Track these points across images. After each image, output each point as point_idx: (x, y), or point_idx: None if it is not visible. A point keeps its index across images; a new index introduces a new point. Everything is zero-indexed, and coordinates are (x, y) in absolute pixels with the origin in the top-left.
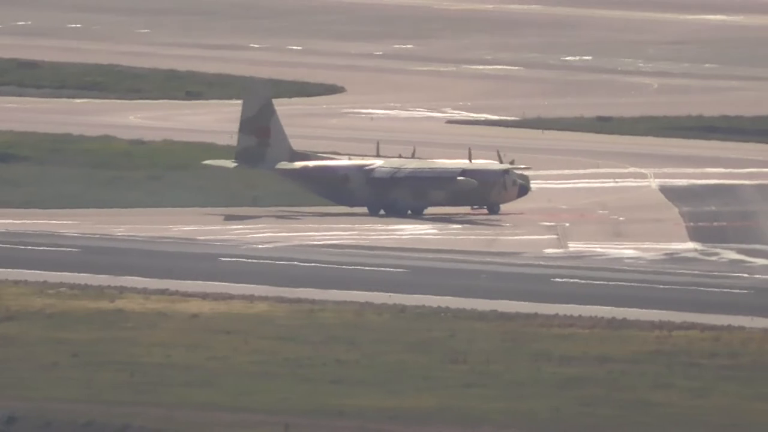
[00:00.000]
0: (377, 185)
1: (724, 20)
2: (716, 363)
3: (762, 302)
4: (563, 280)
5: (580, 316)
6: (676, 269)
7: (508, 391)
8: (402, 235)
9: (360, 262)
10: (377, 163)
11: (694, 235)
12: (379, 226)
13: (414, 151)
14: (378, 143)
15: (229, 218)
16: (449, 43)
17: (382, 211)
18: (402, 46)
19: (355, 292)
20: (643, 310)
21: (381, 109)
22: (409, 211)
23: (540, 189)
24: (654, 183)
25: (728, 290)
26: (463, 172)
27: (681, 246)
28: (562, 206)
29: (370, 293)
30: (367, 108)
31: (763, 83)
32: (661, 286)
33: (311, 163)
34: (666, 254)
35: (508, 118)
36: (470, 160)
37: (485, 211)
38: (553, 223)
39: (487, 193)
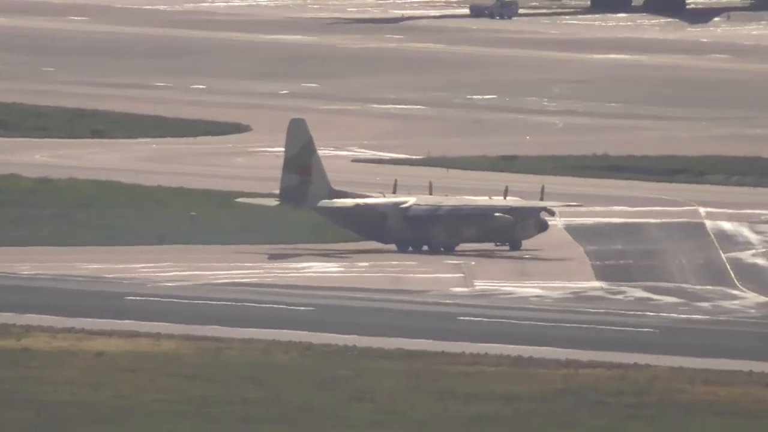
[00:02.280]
0: (413, 223)
1: (629, 59)
2: (623, 401)
3: (668, 340)
4: (469, 318)
5: (486, 354)
6: (583, 308)
7: (413, 429)
8: (307, 273)
9: (266, 300)
10: (411, 200)
11: (600, 273)
12: (284, 264)
13: (430, 185)
14: (396, 181)
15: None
16: (354, 82)
17: (410, 248)
18: (307, 84)
19: (261, 330)
20: (550, 349)
21: None
22: (442, 249)
23: None
24: (559, 222)
25: (634, 329)
26: (511, 210)
27: (587, 285)
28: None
29: (276, 331)
30: (273, 146)
31: (667, 122)
32: (568, 325)
33: (352, 201)
34: (572, 293)
35: (413, 156)
36: (505, 197)
37: (507, 247)
38: (458, 262)
39: (513, 229)
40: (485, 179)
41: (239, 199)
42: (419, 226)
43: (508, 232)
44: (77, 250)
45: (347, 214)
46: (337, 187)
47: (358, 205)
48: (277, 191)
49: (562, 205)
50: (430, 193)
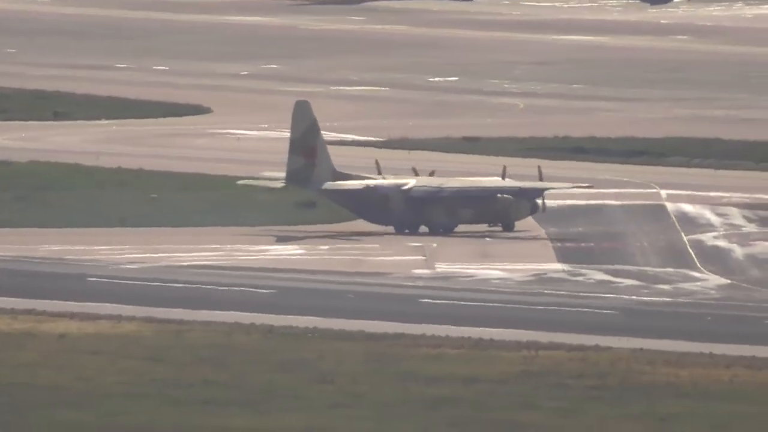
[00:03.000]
0: (414, 204)
1: (590, 41)
2: (583, 383)
3: (629, 323)
4: (431, 300)
5: (447, 336)
6: (544, 290)
7: (375, 411)
8: (269, 255)
9: (227, 282)
10: (411, 182)
11: (562, 256)
12: (246, 247)
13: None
14: (377, 161)
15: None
16: (315, 64)
17: (406, 230)
18: (268, 66)
19: (223, 312)
20: (511, 331)
21: (248, 129)
22: (441, 229)
23: None
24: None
25: (596, 311)
26: (520, 190)
27: (548, 267)
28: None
29: (238, 313)
30: (233, 128)
31: (630, 104)
32: (529, 307)
33: (355, 183)
34: (533, 275)
35: (375, 138)
36: (503, 177)
37: (499, 228)
38: (420, 244)
39: (509, 210)
40: (447, 161)
41: (241, 182)
42: (420, 208)
43: (507, 213)
44: (38, 232)
45: (351, 196)
46: (339, 169)
47: (365, 187)
48: (263, 173)
49: (572, 186)
50: (416, 175)
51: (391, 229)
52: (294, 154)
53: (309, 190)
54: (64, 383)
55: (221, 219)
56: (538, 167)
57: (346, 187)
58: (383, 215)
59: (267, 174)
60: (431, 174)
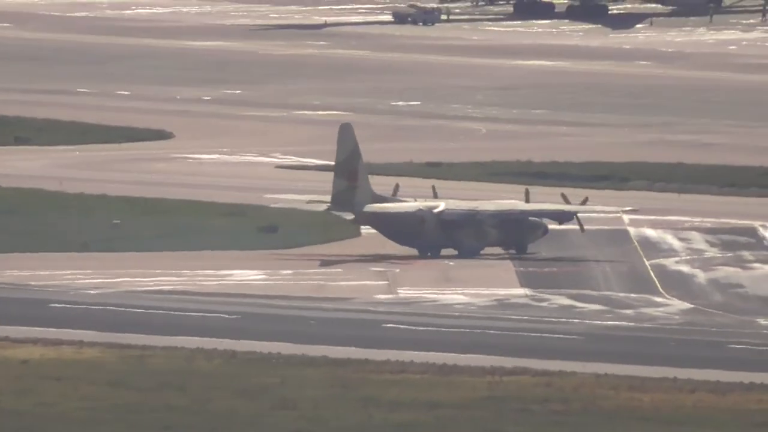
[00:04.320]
0: (446, 227)
1: (552, 66)
2: (547, 408)
3: (593, 348)
4: (394, 325)
5: (411, 361)
6: (507, 315)
7: None
8: (231, 280)
9: (190, 308)
10: (441, 205)
11: (525, 280)
12: (208, 272)
13: (396, 187)
14: (397, 185)
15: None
16: (278, 88)
17: (429, 253)
18: (231, 91)
19: (185, 337)
20: (475, 356)
21: (210, 154)
22: (469, 253)
23: (370, 234)
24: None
25: (559, 336)
26: (562, 213)
27: (512, 291)
28: (392, 252)
29: (200, 339)
30: (195, 153)
31: (592, 129)
32: (492, 332)
33: (392, 206)
34: (496, 300)
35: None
36: (527, 201)
37: (513, 251)
38: (382, 269)
39: (537, 234)
40: (412, 185)
41: (276, 204)
42: (452, 231)
43: (530, 236)
44: (0, 257)
45: (388, 219)
46: (377, 192)
47: (398, 211)
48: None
49: (622, 211)
50: (435, 197)
51: (414, 251)
52: (338, 177)
53: (351, 213)
54: (26, 409)
55: (183, 244)
56: (562, 194)
57: (383, 210)
58: (414, 238)
59: (309, 198)
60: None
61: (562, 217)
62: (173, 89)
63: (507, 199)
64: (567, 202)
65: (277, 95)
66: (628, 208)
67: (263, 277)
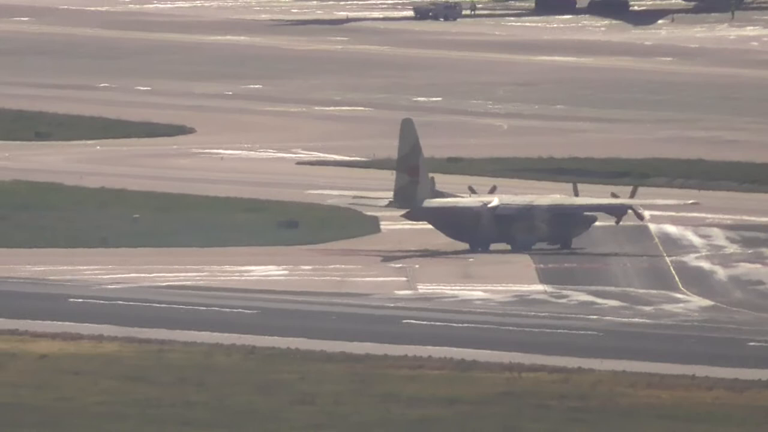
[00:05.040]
0: (501, 222)
1: (573, 62)
2: (565, 405)
3: (611, 344)
4: (413, 321)
5: (429, 357)
6: (526, 311)
7: None
8: (251, 276)
9: (209, 303)
10: (495, 200)
11: (544, 277)
12: (228, 267)
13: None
14: (432, 178)
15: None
16: (298, 84)
17: (479, 248)
18: (251, 86)
19: (204, 333)
20: (493, 352)
21: (231, 149)
22: (523, 247)
23: (390, 231)
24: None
25: (578, 332)
26: (618, 207)
27: (531, 288)
28: (412, 247)
29: (219, 334)
30: (217, 148)
31: (612, 125)
32: (511, 328)
33: (451, 201)
34: (516, 296)
35: (358, 158)
36: (576, 194)
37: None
38: (402, 265)
39: (574, 228)
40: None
41: (331, 201)
42: (506, 226)
43: (576, 231)
44: (20, 252)
45: (446, 214)
46: (438, 188)
47: (456, 206)
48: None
49: (681, 204)
50: (472, 194)
51: (466, 246)
52: (401, 171)
53: (413, 208)
54: (44, 403)
55: (203, 239)
56: (634, 186)
57: (442, 205)
58: (470, 232)
59: (371, 194)
60: (492, 191)
61: (617, 211)
62: (194, 84)
63: (529, 195)
64: (615, 197)
65: (298, 91)
66: (690, 201)
67: (284, 272)
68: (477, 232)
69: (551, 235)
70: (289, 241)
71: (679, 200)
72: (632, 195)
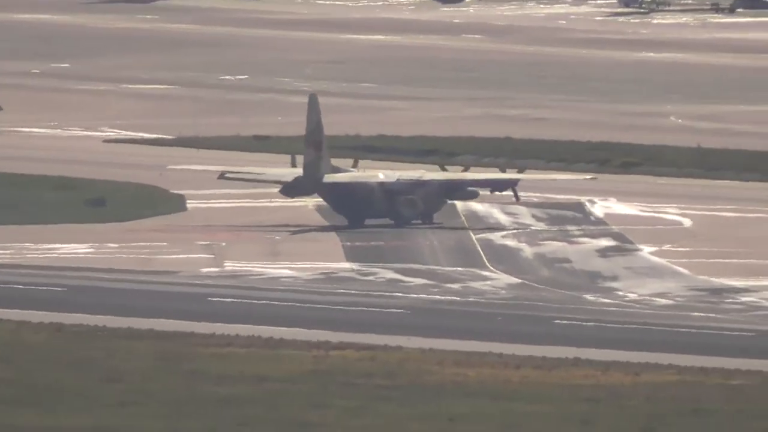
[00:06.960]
0: (389, 197)
1: (382, 40)
2: (373, 383)
3: (419, 322)
4: (220, 299)
5: (237, 335)
6: (333, 289)
7: (164, 410)
8: (58, 254)
9: (16, 281)
10: (380, 175)
11: (351, 254)
12: (35, 246)
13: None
14: (356, 159)
15: None
16: (107, 62)
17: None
18: (59, 64)
19: (12, 310)
20: (301, 330)
21: (38, 127)
22: (406, 221)
23: (196, 209)
24: (311, 203)
25: (385, 310)
26: (505, 182)
27: (338, 266)
28: (218, 225)
29: (27, 312)
30: (24, 126)
31: (422, 103)
32: (319, 306)
33: (346, 176)
34: (323, 273)
35: (165, 136)
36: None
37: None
38: (209, 243)
39: (439, 204)
40: (238, 159)
41: (230, 174)
42: (392, 201)
43: (438, 207)
44: None
45: (344, 190)
46: (334, 163)
47: (354, 181)
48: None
49: (581, 179)
50: (354, 167)
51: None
52: (308, 146)
53: (318, 182)
54: None
55: (10, 217)
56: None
57: (341, 180)
58: (365, 208)
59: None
60: (354, 165)
61: (503, 185)
62: (2, 62)
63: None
64: (503, 171)
65: (106, 69)
66: (588, 176)
67: (90, 250)
68: (373, 207)
69: (432, 210)
70: (97, 219)
71: (577, 175)
72: (520, 171)
